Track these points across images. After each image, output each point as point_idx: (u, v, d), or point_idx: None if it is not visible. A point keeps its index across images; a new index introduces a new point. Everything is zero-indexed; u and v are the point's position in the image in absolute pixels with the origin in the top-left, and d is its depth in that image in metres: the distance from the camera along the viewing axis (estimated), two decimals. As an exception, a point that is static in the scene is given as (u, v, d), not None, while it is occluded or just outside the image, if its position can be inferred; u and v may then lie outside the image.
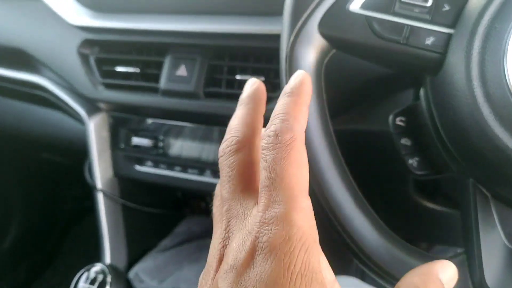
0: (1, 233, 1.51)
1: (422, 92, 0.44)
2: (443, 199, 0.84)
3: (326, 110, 0.43)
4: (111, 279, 0.61)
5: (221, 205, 0.28)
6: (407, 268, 0.38)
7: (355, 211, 0.40)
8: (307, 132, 0.42)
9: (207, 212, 1.00)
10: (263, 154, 0.26)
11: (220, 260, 0.26)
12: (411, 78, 0.60)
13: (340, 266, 1.14)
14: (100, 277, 0.61)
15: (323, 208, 0.41)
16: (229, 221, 0.26)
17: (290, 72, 0.42)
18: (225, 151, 0.28)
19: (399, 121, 0.45)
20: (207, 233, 0.98)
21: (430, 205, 0.82)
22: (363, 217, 0.40)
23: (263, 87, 0.32)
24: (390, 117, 0.46)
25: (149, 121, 0.80)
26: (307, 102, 0.28)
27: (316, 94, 0.42)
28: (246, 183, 0.27)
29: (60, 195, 1.72)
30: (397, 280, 0.35)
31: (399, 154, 0.74)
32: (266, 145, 0.26)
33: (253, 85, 0.32)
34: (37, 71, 0.86)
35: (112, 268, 0.61)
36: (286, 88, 0.29)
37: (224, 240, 0.26)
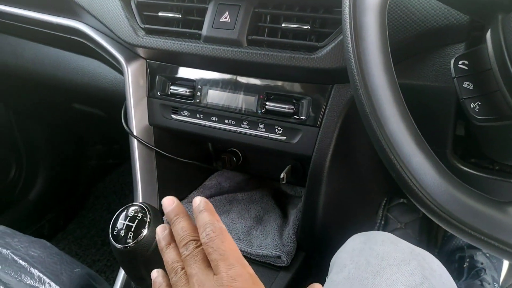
0: (27, 185, 1.54)
1: (489, 34, 0.42)
2: (474, 163, 0.83)
3: (388, 46, 0.42)
4: (150, 218, 0.61)
5: (189, 279, 0.44)
6: (468, 210, 0.38)
7: (415, 149, 0.39)
8: (368, 66, 0.41)
9: (237, 168, 1.00)
10: (209, 244, 0.43)
11: None
12: (465, 29, 0.58)
13: (367, 224, 1.14)
14: (139, 216, 0.61)
15: (382, 146, 0.40)
16: (199, 286, 0.42)
17: (355, 5, 0.41)
18: (190, 248, 0.45)
19: (461, 64, 0.44)
20: (237, 188, 0.99)
21: (465, 168, 0.81)
22: (424, 156, 0.39)
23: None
24: (452, 61, 0.45)
25: (187, 70, 0.80)
26: (214, 212, 0.47)
27: (380, 30, 0.41)
28: (207, 263, 0.44)
29: (85, 151, 1.74)
30: (458, 220, 0.35)
31: (441, 112, 0.72)
32: (208, 239, 0.43)
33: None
34: (77, 16, 0.86)
35: (151, 207, 0.62)
36: (199, 207, 0.47)
37: None
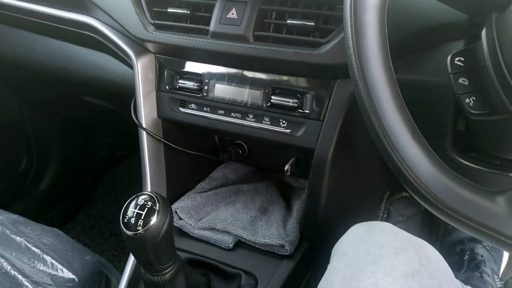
0: (38, 176, 1.58)
1: (484, 32, 0.44)
2: (474, 157, 0.84)
3: (387, 43, 0.44)
4: (159, 207, 0.63)
5: None
6: (460, 199, 0.40)
7: (411, 141, 0.41)
8: (368, 62, 0.43)
9: (243, 160, 1.02)
10: None
11: None
12: (464, 27, 0.60)
13: (369, 217, 1.16)
14: (149, 204, 0.63)
15: (380, 138, 0.42)
16: None
17: (356, 4, 0.43)
18: None
19: (457, 61, 0.46)
20: (242, 179, 1.02)
21: (465, 162, 0.82)
22: (419, 148, 0.41)
23: None
24: (449, 58, 0.47)
25: (195, 64, 0.82)
26: None
27: (379, 28, 0.43)
28: None
29: (94, 143, 1.77)
30: (451, 209, 0.37)
31: (441, 106, 0.74)
32: None
33: None
34: (89, 11, 0.88)
35: (160, 197, 0.64)
36: None
37: None
